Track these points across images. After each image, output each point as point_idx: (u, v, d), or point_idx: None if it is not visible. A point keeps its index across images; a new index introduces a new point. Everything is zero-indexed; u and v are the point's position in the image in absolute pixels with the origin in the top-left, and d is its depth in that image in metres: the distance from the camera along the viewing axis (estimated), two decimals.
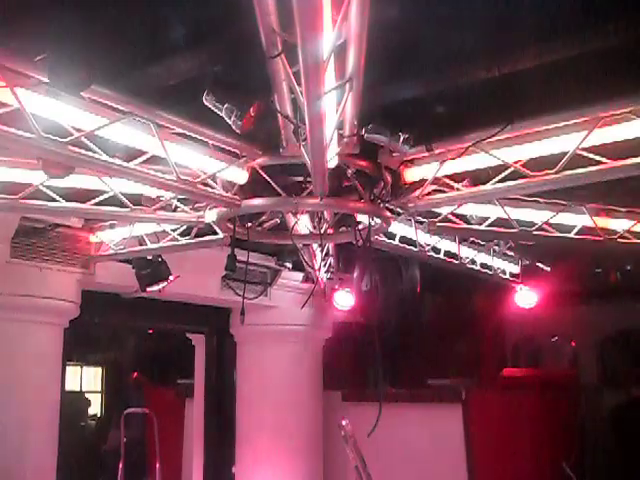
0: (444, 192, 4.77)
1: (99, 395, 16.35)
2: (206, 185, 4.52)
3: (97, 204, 4.93)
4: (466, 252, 6.85)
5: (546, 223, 5.46)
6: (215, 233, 5.64)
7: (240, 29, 3.25)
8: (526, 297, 7.79)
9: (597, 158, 3.99)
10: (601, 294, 9.62)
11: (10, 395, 5.95)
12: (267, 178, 4.54)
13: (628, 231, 5.64)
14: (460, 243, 6.68)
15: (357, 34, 2.83)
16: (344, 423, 5.44)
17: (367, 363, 9.98)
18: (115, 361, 16.04)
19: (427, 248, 6.38)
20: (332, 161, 4.14)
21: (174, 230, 5.90)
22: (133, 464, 10.33)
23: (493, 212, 5.41)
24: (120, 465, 9.68)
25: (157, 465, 9.63)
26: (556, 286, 8.23)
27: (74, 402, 13.92)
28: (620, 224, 5.65)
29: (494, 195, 4.83)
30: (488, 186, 4.49)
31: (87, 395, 15.69)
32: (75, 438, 12.22)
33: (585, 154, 4.01)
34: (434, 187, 4.77)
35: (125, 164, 4.03)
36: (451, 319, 10.89)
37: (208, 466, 9.30)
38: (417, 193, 4.78)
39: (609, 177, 4.08)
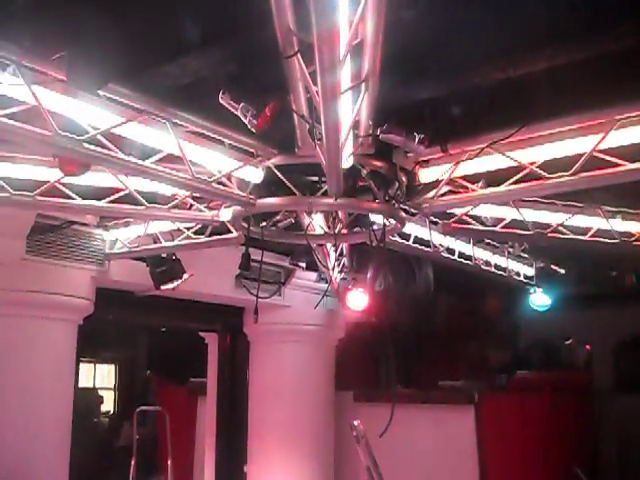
0: (459, 193, 4.76)
1: (112, 392, 16.43)
2: (221, 184, 4.53)
3: (112, 202, 4.96)
4: (480, 253, 6.84)
5: (561, 225, 5.44)
6: (230, 232, 5.66)
7: (256, 28, 3.25)
8: (540, 299, 7.77)
9: (613, 160, 3.97)
10: (616, 297, 9.55)
11: (24, 390, 5.99)
12: (282, 177, 4.55)
13: None
14: (474, 244, 6.66)
15: (373, 34, 2.83)
16: (356, 423, 5.43)
17: (379, 364, 9.98)
18: (128, 358, 16.12)
19: (441, 249, 6.37)
20: (347, 161, 4.14)
21: (189, 228, 5.92)
22: (145, 461, 10.38)
23: (508, 214, 5.39)
24: (132, 462, 9.71)
25: (169, 462, 9.66)
26: (571, 289, 8.20)
27: (87, 398, 14.00)
28: (636, 227, 5.62)
29: (509, 197, 4.82)
30: (503, 187, 4.48)
31: (100, 392, 15.77)
32: (88, 434, 12.28)
33: (601, 156, 3.99)
34: (449, 188, 4.76)
35: (141, 162, 4.04)
36: (464, 320, 10.85)
37: (220, 464, 9.32)
38: (432, 194, 4.77)
39: (625, 179, 4.06)
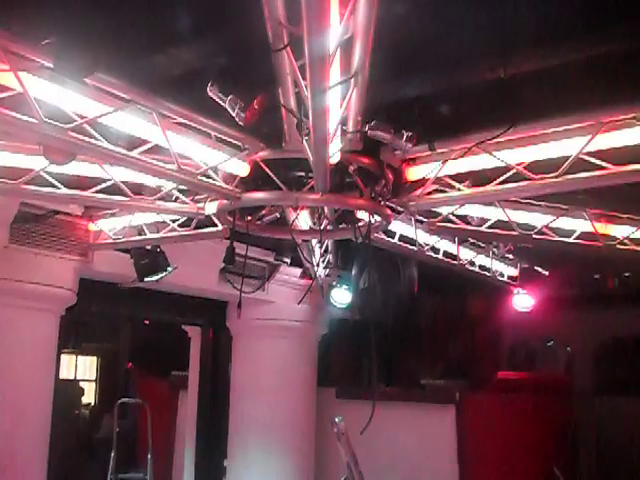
0: (445, 192, 4.76)
1: (93, 384, 16.36)
2: (207, 177, 4.51)
3: (97, 192, 4.92)
4: (465, 253, 6.84)
5: (546, 227, 5.45)
6: (215, 225, 5.64)
7: (247, 21, 3.24)
8: (523, 300, 7.79)
9: (599, 163, 3.98)
10: (599, 300, 9.59)
11: (3, 381, 5.94)
12: (269, 172, 4.54)
13: (628, 238, 5.63)
14: (459, 244, 6.67)
15: (364, 30, 2.83)
16: (337, 420, 5.44)
17: (362, 361, 9.99)
18: (110, 350, 16.05)
19: (426, 248, 6.38)
20: (334, 157, 4.14)
21: (174, 221, 5.89)
22: (125, 454, 10.35)
23: (494, 214, 5.40)
24: (112, 454, 9.69)
25: (148, 455, 9.64)
26: (554, 290, 8.22)
27: (68, 390, 13.94)
28: (620, 230, 5.63)
29: (495, 197, 4.82)
30: (489, 187, 4.48)
31: (81, 384, 15.70)
32: (68, 426, 12.23)
33: (587, 159, 4.00)
34: (435, 187, 4.76)
35: (127, 152, 4.02)
36: (448, 320, 10.88)
37: (199, 458, 9.33)
38: (418, 192, 4.77)
39: (610, 183, 4.07)
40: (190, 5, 3.55)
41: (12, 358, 6.03)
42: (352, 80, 3.29)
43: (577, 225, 5.59)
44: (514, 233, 5.43)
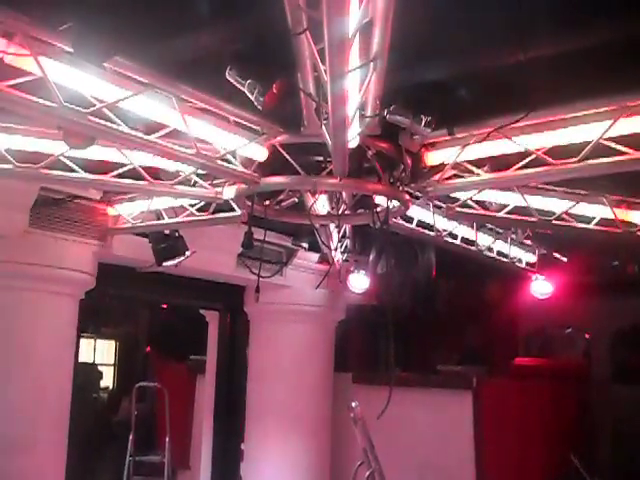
0: (464, 177, 4.74)
1: (111, 368, 16.47)
2: (226, 161, 4.51)
3: (116, 176, 4.94)
4: (483, 239, 6.82)
5: (565, 213, 5.42)
6: (233, 210, 5.64)
7: (266, 4, 3.22)
8: (541, 287, 7.76)
9: (621, 148, 3.94)
10: (617, 287, 9.52)
11: (24, 364, 6.00)
12: (287, 156, 4.53)
13: None
14: (477, 230, 6.65)
15: (383, 13, 2.81)
16: (354, 405, 5.45)
17: (379, 346, 10.00)
18: (129, 334, 16.14)
19: (444, 233, 6.36)
20: (353, 141, 4.13)
21: (192, 205, 5.90)
22: (143, 437, 10.44)
23: (512, 199, 5.37)
24: (130, 437, 9.78)
25: (166, 439, 9.72)
26: (572, 277, 8.18)
27: (87, 373, 14.06)
28: None
29: (514, 182, 4.80)
30: (509, 173, 4.46)
31: (100, 368, 15.82)
32: (86, 409, 12.34)
33: (609, 144, 3.97)
34: (454, 172, 4.74)
35: (145, 137, 4.02)
36: (465, 305, 10.85)
37: (217, 442, 9.39)
38: (437, 177, 4.75)
39: (632, 168, 4.03)
40: None
41: (33, 342, 6.08)
42: (371, 64, 3.28)
43: (597, 211, 5.54)
44: (533, 219, 5.40)
